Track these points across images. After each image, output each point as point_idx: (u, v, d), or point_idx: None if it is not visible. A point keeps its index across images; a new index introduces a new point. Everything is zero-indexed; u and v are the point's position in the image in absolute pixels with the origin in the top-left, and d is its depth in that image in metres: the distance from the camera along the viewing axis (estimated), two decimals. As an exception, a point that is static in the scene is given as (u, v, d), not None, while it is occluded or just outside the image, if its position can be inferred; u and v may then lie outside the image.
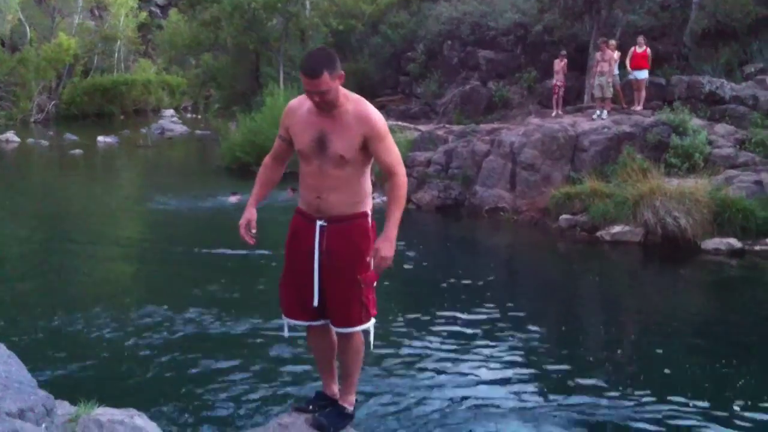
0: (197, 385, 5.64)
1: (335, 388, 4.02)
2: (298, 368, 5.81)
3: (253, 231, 3.97)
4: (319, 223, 3.73)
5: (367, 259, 3.75)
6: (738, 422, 5.42)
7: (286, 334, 3.96)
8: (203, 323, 7.43)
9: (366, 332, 3.84)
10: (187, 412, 5.20)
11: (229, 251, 10.97)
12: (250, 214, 3.98)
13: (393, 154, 3.66)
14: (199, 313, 7.74)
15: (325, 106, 3.56)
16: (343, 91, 3.62)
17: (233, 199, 16.68)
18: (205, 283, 9.08)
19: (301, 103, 3.79)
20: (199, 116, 44.72)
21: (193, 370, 5.93)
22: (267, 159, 4.04)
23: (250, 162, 20.86)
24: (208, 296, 8.45)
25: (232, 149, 21.85)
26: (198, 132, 36.38)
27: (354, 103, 3.62)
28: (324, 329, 3.88)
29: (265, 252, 11.22)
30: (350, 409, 3.96)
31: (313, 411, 3.91)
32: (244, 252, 10.22)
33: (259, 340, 6.79)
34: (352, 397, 3.98)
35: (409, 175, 14.15)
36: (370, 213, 3.79)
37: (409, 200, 15.28)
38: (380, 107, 21.14)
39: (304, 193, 3.81)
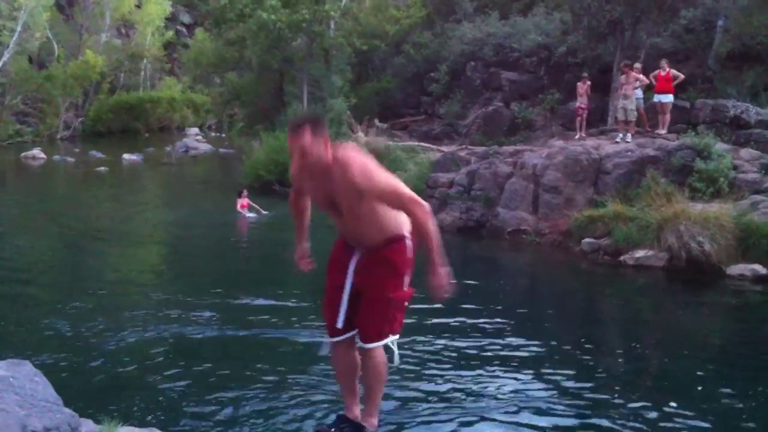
0: (219, 405, 5.65)
1: (357, 411, 4.02)
2: (322, 392, 5.81)
3: (310, 260, 4.06)
4: (357, 251, 3.82)
5: (405, 278, 3.80)
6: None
7: (323, 352, 3.98)
8: (229, 342, 7.47)
9: (389, 350, 3.85)
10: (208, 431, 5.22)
11: (249, 266, 11.04)
12: (303, 249, 4.09)
13: (395, 195, 3.63)
14: (225, 331, 7.78)
15: (306, 164, 3.58)
16: (334, 154, 3.61)
17: (245, 211, 16.95)
18: (229, 298, 9.13)
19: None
20: (223, 134, 45.06)
21: (218, 390, 5.94)
22: (292, 194, 4.13)
23: (272, 180, 21.02)
24: (234, 313, 8.48)
25: (254, 167, 22.03)
26: (222, 150, 36.68)
27: (341, 167, 3.58)
28: (349, 346, 3.89)
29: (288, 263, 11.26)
30: (372, 429, 3.95)
31: None
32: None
33: (285, 362, 6.80)
34: (374, 419, 3.98)
35: (431, 196, 14.37)
36: (407, 234, 3.80)
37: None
38: (403, 128, 21.23)
39: (339, 231, 3.89)
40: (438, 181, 16.22)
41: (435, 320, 8.37)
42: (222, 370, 6.52)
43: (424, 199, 3.73)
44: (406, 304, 3.88)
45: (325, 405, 5.50)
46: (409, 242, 3.84)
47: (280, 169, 21.04)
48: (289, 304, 8.89)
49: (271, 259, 12.74)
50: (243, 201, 17.32)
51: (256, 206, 17.24)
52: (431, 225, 3.66)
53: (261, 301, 9.11)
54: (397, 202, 3.63)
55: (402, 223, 3.83)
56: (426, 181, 16.37)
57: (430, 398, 5.97)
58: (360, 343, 3.82)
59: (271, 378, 6.27)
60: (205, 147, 37.86)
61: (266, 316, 8.35)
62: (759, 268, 11.10)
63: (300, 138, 3.52)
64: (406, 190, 3.67)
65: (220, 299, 9.15)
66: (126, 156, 31.45)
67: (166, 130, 48.11)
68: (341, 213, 3.73)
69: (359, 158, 3.60)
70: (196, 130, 47.50)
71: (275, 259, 12.66)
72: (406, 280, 3.84)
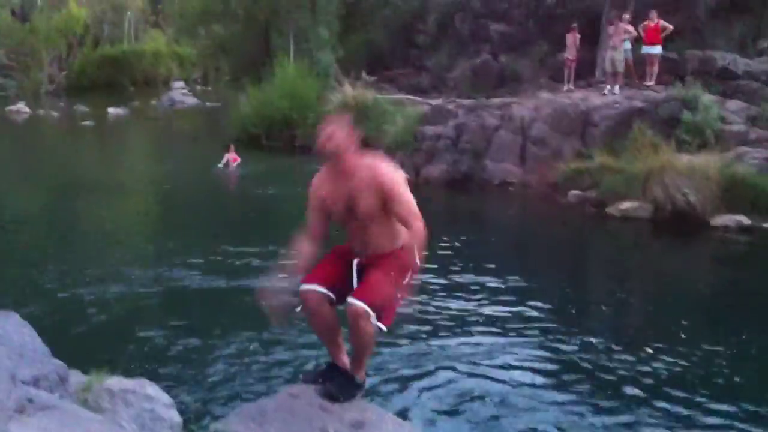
0: (208, 355, 5.72)
1: (345, 360, 4.03)
2: (310, 340, 5.87)
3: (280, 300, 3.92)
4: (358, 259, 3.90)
5: (408, 274, 3.85)
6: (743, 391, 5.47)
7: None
8: (214, 292, 7.52)
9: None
10: (197, 381, 5.27)
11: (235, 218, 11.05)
12: (278, 285, 3.98)
13: (407, 208, 3.77)
14: (210, 281, 7.83)
15: (331, 155, 3.73)
16: (360, 159, 3.78)
17: (231, 162, 16.86)
18: (218, 249, 9.14)
19: (321, 178, 3.95)
20: (209, 87, 44.60)
21: (204, 340, 6.01)
22: (300, 242, 3.98)
23: (259, 133, 20.91)
24: (222, 263, 8.53)
25: (241, 121, 21.86)
26: (208, 103, 36.36)
27: (368, 168, 3.76)
28: (330, 303, 3.86)
29: (277, 214, 11.31)
30: (360, 379, 3.98)
31: (323, 382, 3.93)
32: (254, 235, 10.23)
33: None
34: (362, 372, 4.00)
35: (418, 148, 14.28)
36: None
37: (417, 174, 15.27)
38: (390, 80, 20.88)
39: (350, 240, 3.97)
40: (425, 134, 16.15)
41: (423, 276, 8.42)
42: (210, 319, 6.57)
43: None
44: (401, 301, 3.89)
45: (314, 353, 5.57)
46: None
47: (267, 121, 20.92)
48: (278, 253, 8.92)
49: (260, 211, 12.75)
50: (232, 155, 17.22)
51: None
52: (422, 239, 3.77)
53: (249, 252, 9.13)
54: (407, 214, 3.76)
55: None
56: (413, 134, 16.32)
57: (414, 345, 6.05)
58: (354, 300, 3.72)
59: (259, 327, 6.32)
60: (190, 100, 37.51)
61: (254, 266, 8.39)
62: (743, 219, 11.19)
63: (336, 131, 3.71)
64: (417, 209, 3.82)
65: (209, 250, 9.16)
66: (111, 110, 31.14)
67: (151, 84, 47.53)
68: (356, 217, 3.80)
69: (388, 165, 3.82)
70: (181, 83, 46.95)
71: (263, 211, 12.69)
72: (409, 277, 3.88)
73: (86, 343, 5.95)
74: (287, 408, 3.69)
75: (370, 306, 3.66)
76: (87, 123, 27.26)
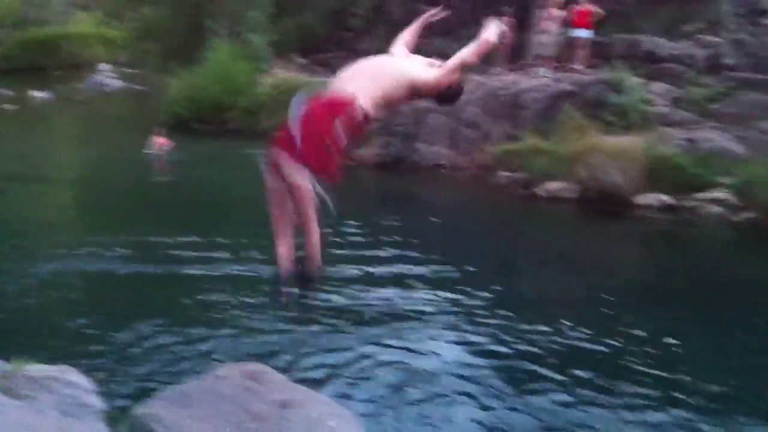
0: (133, 343, 5.64)
1: (286, 249, 3.91)
2: (238, 331, 5.85)
3: None
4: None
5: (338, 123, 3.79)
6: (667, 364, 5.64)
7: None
8: (142, 280, 7.41)
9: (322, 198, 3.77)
10: (121, 368, 5.20)
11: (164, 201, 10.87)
12: None
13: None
14: (138, 269, 7.71)
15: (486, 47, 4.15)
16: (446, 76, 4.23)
17: (161, 146, 16.54)
18: (148, 236, 8.99)
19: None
20: (137, 71, 43.53)
21: (130, 328, 5.91)
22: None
23: (189, 117, 20.54)
24: (150, 250, 8.38)
25: (171, 105, 21.43)
26: (136, 87, 35.59)
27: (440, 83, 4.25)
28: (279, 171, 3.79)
29: (207, 200, 11.19)
30: (315, 271, 3.89)
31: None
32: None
33: (196, 294, 6.79)
34: (313, 259, 3.89)
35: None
36: (361, 105, 3.90)
37: (349, 156, 15.23)
38: (323, 63, 20.62)
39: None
40: (358, 116, 16.09)
41: (351, 254, 8.45)
42: (136, 308, 6.48)
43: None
44: (338, 156, 3.81)
45: (236, 337, 5.56)
46: (359, 111, 3.90)
47: (198, 106, 20.58)
48: (208, 240, 8.83)
49: (190, 196, 12.57)
50: (161, 138, 16.87)
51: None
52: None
53: (179, 239, 8.99)
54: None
55: (366, 99, 3.96)
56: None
57: (346, 329, 6.08)
58: (294, 176, 3.65)
59: (186, 316, 6.27)
60: (118, 83, 36.65)
61: (183, 253, 8.29)
62: (665, 198, 11.54)
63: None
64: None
65: (138, 237, 9.00)
66: (35, 93, 30.19)
67: (77, 67, 46.13)
68: (372, 69, 4.15)
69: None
70: (108, 66, 45.68)
71: (194, 196, 12.52)
72: (339, 128, 3.80)
73: (7, 331, 5.81)
74: (212, 390, 3.68)
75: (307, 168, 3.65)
76: (9, 107, 26.40)
